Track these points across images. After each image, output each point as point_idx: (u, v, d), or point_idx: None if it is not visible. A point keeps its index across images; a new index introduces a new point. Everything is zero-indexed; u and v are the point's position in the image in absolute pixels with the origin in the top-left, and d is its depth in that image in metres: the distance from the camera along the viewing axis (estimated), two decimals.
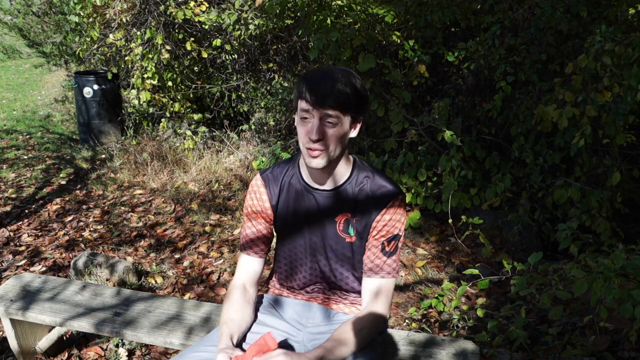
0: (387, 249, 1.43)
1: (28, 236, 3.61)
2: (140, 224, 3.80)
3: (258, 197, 1.51)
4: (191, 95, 5.05)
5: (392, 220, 1.41)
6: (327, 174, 1.41)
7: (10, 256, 3.32)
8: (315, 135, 1.28)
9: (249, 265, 1.55)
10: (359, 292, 1.54)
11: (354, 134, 1.38)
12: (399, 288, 2.95)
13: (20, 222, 3.83)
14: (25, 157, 5.37)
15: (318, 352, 1.27)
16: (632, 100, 2.50)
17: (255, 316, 1.56)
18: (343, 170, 1.43)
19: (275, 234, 1.57)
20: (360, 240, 1.44)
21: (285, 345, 1.49)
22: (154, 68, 4.54)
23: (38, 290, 2.12)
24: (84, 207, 4.13)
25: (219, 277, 3.07)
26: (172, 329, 1.86)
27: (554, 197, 2.88)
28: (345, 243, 1.45)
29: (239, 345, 1.41)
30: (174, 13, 4.35)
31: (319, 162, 1.33)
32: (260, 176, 1.52)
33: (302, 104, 1.30)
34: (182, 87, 4.96)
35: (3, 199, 4.23)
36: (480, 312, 2.38)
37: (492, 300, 2.76)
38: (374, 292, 1.44)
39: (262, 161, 4.50)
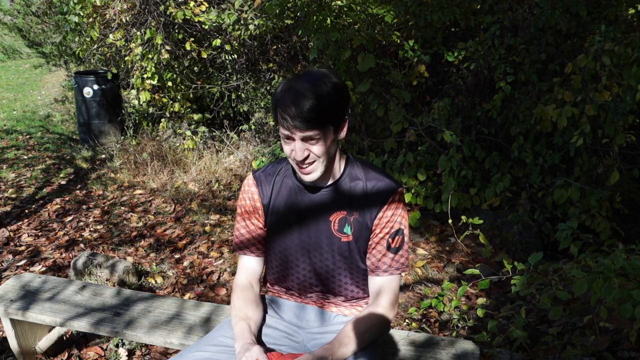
0: (392, 245, 1.41)
1: (28, 236, 3.61)
2: (140, 224, 3.80)
3: (250, 197, 1.50)
4: (191, 96, 5.05)
5: (394, 216, 1.40)
6: (323, 177, 1.40)
7: (10, 256, 3.32)
8: (300, 157, 1.29)
9: (250, 265, 1.54)
10: (357, 295, 1.52)
11: (342, 135, 1.37)
12: (399, 288, 2.95)
13: (20, 222, 3.83)
14: (25, 157, 5.37)
15: (319, 352, 1.27)
16: (631, 100, 2.50)
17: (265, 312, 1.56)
18: (336, 167, 1.43)
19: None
20: (358, 239, 1.43)
21: (282, 347, 1.50)
22: (153, 68, 4.54)
23: (38, 290, 2.12)
24: (84, 207, 4.13)
25: (219, 277, 3.07)
26: (172, 329, 1.86)
27: (553, 197, 2.89)
28: (342, 243, 1.43)
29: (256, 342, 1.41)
30: (173, 13, 4.35)
31: (313, 177, 1.35)
32: (252, 175, 1.52)
33: (281, 129, 1.30)
34: (182, 87, 4.96)
35: (3, 199, 4.23)
36: (480, 312, 2.38)
37: (492, 300, 2.76)
38: (381, 291, 1.43)
39: (262, 161, 4.50)
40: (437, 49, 3.62)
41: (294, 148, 1.29)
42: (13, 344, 2.14)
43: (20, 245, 3.48)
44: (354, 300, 1.54)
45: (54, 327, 2.28)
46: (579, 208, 2.77)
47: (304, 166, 1.32)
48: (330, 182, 1.43)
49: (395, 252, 1.42)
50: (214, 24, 4.43)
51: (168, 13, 4.43)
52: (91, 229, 3.73)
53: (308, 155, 1.30)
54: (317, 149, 1.30)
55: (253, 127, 5.12)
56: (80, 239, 3.57)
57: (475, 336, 2.31)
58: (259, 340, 1.45)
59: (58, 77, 9.51)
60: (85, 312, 1.97)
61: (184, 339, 1.81)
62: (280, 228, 1.49)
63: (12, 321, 2.08)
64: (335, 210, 1.42)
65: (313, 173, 1.34)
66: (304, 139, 1.28)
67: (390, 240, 1.41)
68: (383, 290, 1.44)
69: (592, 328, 2.17)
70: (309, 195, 1.44)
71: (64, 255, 3.34)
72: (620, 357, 2.05)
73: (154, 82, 4.61)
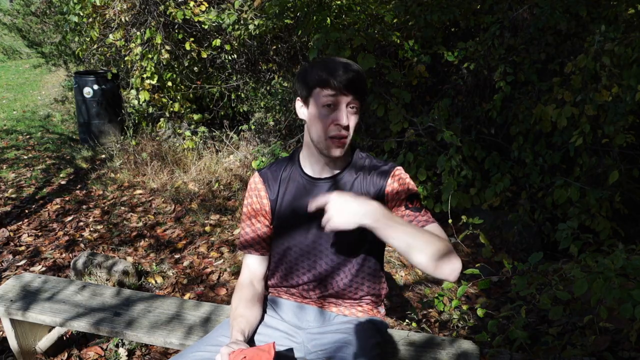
0: (411, 206, 1.38)
1: (28, 236, 3.61)
2: (140, 224, 3.80)
3: (257, 194, 1.50)
4: (191, 95, 5.05)
5: (402, 185, 1.40)
6: (334, 163, 1.42)
7: (10, 256, 3.32)
8: (345, 121, 1.30)
9: (254, 264, 1.55)
10: (358, 294, 1.53)
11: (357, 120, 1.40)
12: (399, 288, 2.95)
13: (20, 222, 3.83)
14: (25, 157, 5.37)
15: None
16: (631, 100, 2.50)
17: (264, 312, 1.56)
18: (346, 156, 1.45)
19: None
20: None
21: (284, 350, 1.50)
22: (153, 68, 4.54)
23: (38, 290, 2.12)
24: (84, 207, 4.12)
25: (219, 277, 3.07)
26: (172, 329, 1.86)
27: (553, 197, 2.89)
28: (349, 232, 1.43)
29: (250, 340, 1.41)
30: (173, 13, 4.35)
31: (341, 151, 1.35)
32: (258, 173, 1.52)
33: (326, 91, 1.30)
34: (182, 87, 4.96)
35: (3, 199, 4.23)
36: (480, 312, 2.38)
37: (492, 300, 2.76)
38: None
39: (262, 161, 4.50)
40: (437, 49, 3.62)
41: (338, 115, 1.30)
42: (13, 344, 2.14)
43: (20, 245, 3.48)
44: (355, 300, 1.54)
45: (54, 327, 2.28)
46: (579, 208, 2.77)
47: (341, 137, 1.32)
48: (337, 171, 1.44)
49: (418, 210, 1.37)
50: (214, 24, 4.43)
51: (168, 13, 4.43)
52: (91, 229, 3.72)
53: (348, 125, 1.32)
54: (354, 120, 1.33)
55: (253, 127, 5.12)
56: (80, 239, 3.56)
57: (475, 336, 2.31)
58: (252, 338, 1.46)
59: (58, 77, 9.50)
60: (85, 312, 1.97)
61: (184, 339, 1.80)
62: (287, 226, 1.49)
63: (12, 321, 2.08)
64: None
65: (342, 148, 1.35)
66: (349, 104, 1.31)
67: (408, 203, 1.38)
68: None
69: (592, 328, 2.17)
70: (317, 188, 1.44)
71: (64, 255, 3.34)
72: (620, 357, 2.05)
73: (154, 82, 4.60)
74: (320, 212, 1.44)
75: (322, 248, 1.46)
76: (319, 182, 1.44)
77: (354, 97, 1.30)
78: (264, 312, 1.56)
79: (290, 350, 1.49)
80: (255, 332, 1.48)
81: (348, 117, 1.31)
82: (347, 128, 1.31)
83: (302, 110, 1.39)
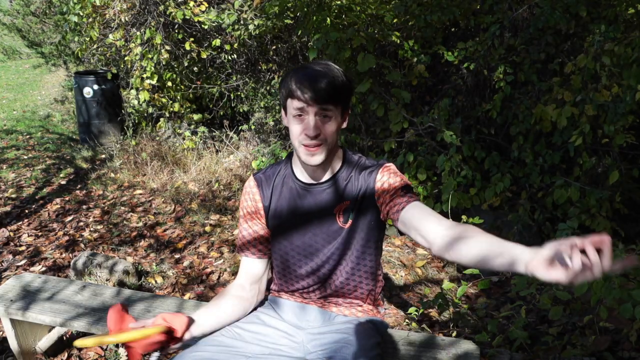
0: (401, 193, 1.35)
1: (28, 236, 3.61)
2: (140, 224, 3.80)
3: (251, 198, 1.51)
4: (191, 95, 5.05)
5: (391, 178, 1.38)
6: (322, 168, 1.42)
7: (10, 256, 3.32)
8: (313, 132, 1.29)
9: (250, 266, 1.55)
10: (357, 294, 1.54)
11: (344, 125, 1.39)
12: (399, 288, 2.95)
13: (20, 222, 3.83)
14: (25, 157, 5.37)
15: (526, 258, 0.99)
16: (631, 100, 2.50)
17: (252, 312, 1.57)
18: (335, 160, 1.44)
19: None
20: (360, 218, 1.42)
21: (282, 347, 1.50)
22: (153, 68, 4.54)
23: (38, 290, 2.12)
24: (84, 207, 4.12)
25: (219, 277, 3.07)
26: None
27: (553, 197, 2.89)
28: (343, 230, 1.44)
29: (204, 324, 1.42)
30: (173, 13, 4.35)
31: (318, 159, 1.34)
32: (253, 177, 1.53)
33: (294, 103, 1.30)
34: (182, 87, 4.96)
35: (3, 199, 4.23)
36: (480, 312, 2.38)
37: (492, 300, 2.76)
38: (426, 215, 1.27)
39: (262, 161, 4.50)
40: (437, 49, 3.62)
41: (306, 125, 1.30)
42: (13, 344, 2.14)
43: (20, 245, 3.48)
44: (353, 299, 1.55)
45: (54, 327, 2.28)
46: (579, 208, 2.77)
47: (312, 146, 1.32)
48: (329, 176, 1.44)
49: (405, 195, 1.34)
50: (214, 24, 4.43)
51: (168, 13, 4.43)
52: (91, 229, 3.72)
53: (319, 134, 1.31)
54: (328, 127, 1.32)
55: (253, 127, 5.12)
56: (80, 239, 3.57)
57: (475, 336, 2.31)
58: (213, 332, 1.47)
59: (58, 77, 9.50)
60: (85, 312, 1.97)
61: None
62: (282, 230, 1.50)
63: (12, 321, 2.08)
64: (338, 202, 1.43)
65: (318, 156, 1.34)
66: (318, 114, 1.30)
67: (401, 192, 1.35)
68: (430, 214, 1.27)
69: (592, 328, 2.17)
70: (311, 194, 1.45)
71: (64, 255, 3.34)
72: (620, 357, 2.05)
73: (154, 82, 4.60)
74: (316, 213, 1.45)
75: (319, 251, 1.47)
76: (312, 187, 1.45)
77: (323, 106, 1.29)
78: (259, 312, 1.57)
79: (290, 349, 1.49)
80: (222, 327, 1.48)
81: (319, 126, 1.30)
82: (316, 137, 1.31)
83: (286, 118, 1.39)
